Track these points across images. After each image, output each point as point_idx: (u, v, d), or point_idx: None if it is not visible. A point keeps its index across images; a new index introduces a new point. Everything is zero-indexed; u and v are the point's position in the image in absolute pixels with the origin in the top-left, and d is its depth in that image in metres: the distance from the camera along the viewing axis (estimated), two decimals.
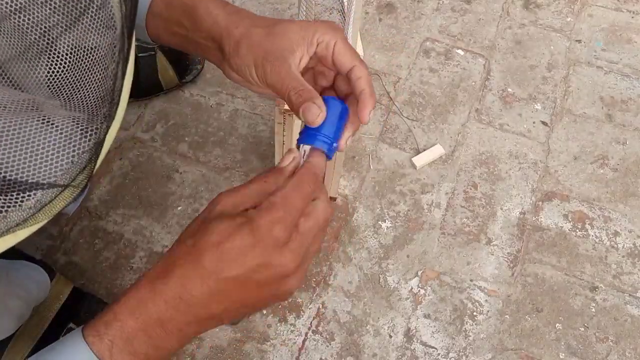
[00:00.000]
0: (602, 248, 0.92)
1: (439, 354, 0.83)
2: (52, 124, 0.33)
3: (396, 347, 0.83)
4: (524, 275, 0.89)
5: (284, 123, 0.77)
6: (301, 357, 0.82)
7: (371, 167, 0.99)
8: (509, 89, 1.09)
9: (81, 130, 0.34)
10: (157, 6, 0.57)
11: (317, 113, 0.48)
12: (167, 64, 1.02)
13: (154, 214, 0.93)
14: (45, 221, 0.36)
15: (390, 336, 0.84)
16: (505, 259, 0.91)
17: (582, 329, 0.85)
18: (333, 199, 0.94)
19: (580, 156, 1.02)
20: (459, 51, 1.14)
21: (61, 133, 0.33)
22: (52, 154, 0.33)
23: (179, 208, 0.93)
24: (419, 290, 0.87)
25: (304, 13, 0.92)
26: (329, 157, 0.50)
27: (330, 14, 1.18)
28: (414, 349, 0.83)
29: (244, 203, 0.45)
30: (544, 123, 1.05)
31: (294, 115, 0.75)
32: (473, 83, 1.10)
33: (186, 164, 0.98)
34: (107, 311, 0.43)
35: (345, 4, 1.16)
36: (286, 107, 0.74)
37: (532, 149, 1.02)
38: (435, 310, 0.86)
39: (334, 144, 0.50)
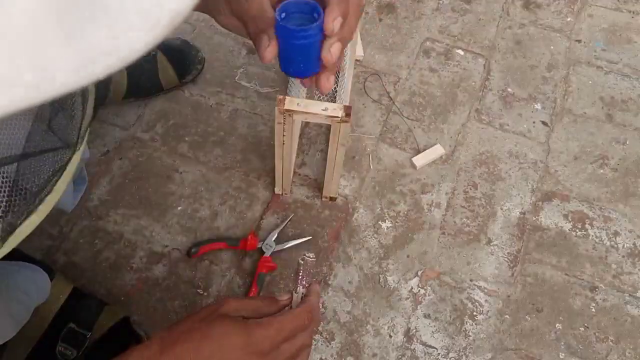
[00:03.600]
0: (602, 248, 0.92)
1: (439, 354, 0.83)
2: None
3: (396, 347, 0.83)
4: (524, 275, 0.89)
5: (284, 123, 0.77)
6: None
7: (371, 167, 0.99)
8: (509, 89, 1.09)
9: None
10: None
11: (266, 45, 0.51)
12: (167, 64, 1.02)
13: (154, 214, 0.93)
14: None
15: (390, 336, 0.84)
16: (505, 259, 0.91)
17: (582, 329, 0.85)
18: (333, 198, 0.94)
19: (580, 156, 1.02)
20: (459, 51, 1.14)
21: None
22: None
23: (179, 208, 0.93)
24: (419, 290, 0.87)
25: None
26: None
27: None
28: (414, 348, 0.83)
29: (244, 311, 0.57)
30: (544, 123, 1.05)
31: (294, 116, 0.75)
32: (473, 83, 1.10)
33: (186, 164, 0.98)
34: (122, 357, 0.52)
35: None
36: (286, 107, 0.74)
37: (532, 149, 1.02)
38: (435, 310, 0.86)
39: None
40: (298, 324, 0.57)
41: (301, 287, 0.64)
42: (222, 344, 0.53)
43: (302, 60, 0.53)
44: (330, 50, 0.54)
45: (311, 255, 0.64)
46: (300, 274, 0.65)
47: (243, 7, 0.54)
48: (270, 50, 0.51)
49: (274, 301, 0.60)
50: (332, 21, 0.52)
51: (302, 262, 0.63)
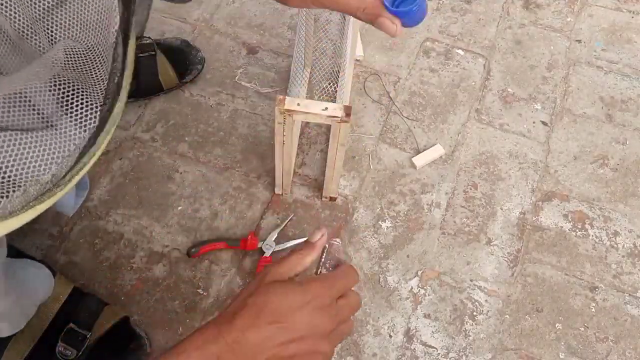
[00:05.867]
0: (602, 248, 0.92)
1: (439, 354, 0.83)
2: (67, 105, 0.38)
3: (396, 347, 0.83)
4: (524, 275, 0.89)
5: (284, 123, 0.77)
6: None
7: (371, 167, 0.99)
8: (509, 89, 1.09)
9: (90, 109, 0.40)
10: None
11: (394, 28, 0.56)
12: (167, 64, 1.02)
13: (154, 214, 0.93)
14: (61, 195, 0.41)
15: (390, 336, 0.84)
16: (505, 259, 0.91)
17: (582, 329, 0.85)
18: (333, 199, 0.94)
19: (580, 156, 1.02)
20: (459, 51, 1.14)
21: (74, 113, 0.39)
22: (65, 132, 0.38)
23: (179, 208, 0.94)
24: (419, 290, 0.87)
25: (304, 13, 0.93)
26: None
27: (330, 14, 1.18)
28: (414, 348, 0.83)
29: (290, 271, 0.55)
30: (544, 123, 1.05)
31: (294, 116, 0.75)
32: (473, 83, 1.10)
33: (186, 164, 0.98)
34: (179, 344, 0.51)
35: None
36: (286, 107, 0.74)
37: (532, 149, 1.02)
38: (435, 310, 0.86)
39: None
40: (349, 280, 0.57)
41: (324, 269, 0.61)
42: (282, 306, 0.52)
43: (420, 17, 0.60)
44: None
45: (337, 240, 0.62)
46: (323, 258, 0.63)
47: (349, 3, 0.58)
48: (399, 30, 0.57)
49: (310, 246, 0.58)
50: None
51: (327, 246, 0.61)
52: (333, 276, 0.57)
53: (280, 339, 0.52)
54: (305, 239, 0.90)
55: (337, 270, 0.59)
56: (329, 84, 1.06)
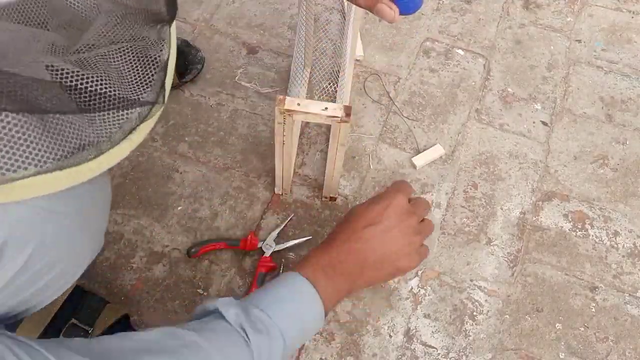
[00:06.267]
0: (602, 248, 0.92)
1: (439, 354, 0.83)
2: (139, 57, 0.46)
3: (396, 347, 0.83)
4: (524, 275, 0.89)
5: (284, 123, 0.77)
6: (301, 357, 0.82)
7: (371, 167, 0.99)
8: (509, 89, 1.09)
9: (154, 57, 0.47)
10: None
11: (392, 14, 0.59)
12: None
13: (154, 214, 0.93)
14: (147, 131, 0.48)
15: (390, 336, 0.84)
16: (505, 259, 0.91)
17: (582, 329, 0.85)
18: (333, 199, 0.94)
19: (580, 156, 1.02)
20: (459, 51, 1.14)
21: (144, 62, 0.47)
22: (141, 77, 0.46)
23: (179, 208, 0.94)
24: (419, 290, 0.87)
25: (304, 13, 0.92)
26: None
27: (331, 13, 1.18)
28: (414, 348, 0.83)
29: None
30: (544, 123, 1.05)
31: (294, 116, 0.75)
32: (473, 83, 1.10)
33: (186, 164, 0.98)
34: (307, 255, 0.72)
35: (345, 4, 1.16)
36: (286, 107, 0.74)
37: (532, 149, 1.02)
38: (435, 310, 0.86)
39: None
40: (428, 206, 0.80)
41: None
42: (392, 204, 0.75)
43: (417, 4, 0.62)
44: None
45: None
46: None
47: None
48: (396, 16, 0.59)
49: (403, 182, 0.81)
50: None
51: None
52: (427, 204, 0.80)
53: (385, 243, 0.73)
54: (308, 237, 0.90)
55: (416, 199, 0.80)
56: (329, 84, 1.06)
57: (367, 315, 0.85)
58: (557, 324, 0.86)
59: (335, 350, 0.82)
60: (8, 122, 0.40)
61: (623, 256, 0.92)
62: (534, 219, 0.95)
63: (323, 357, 0.82)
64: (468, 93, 1.09)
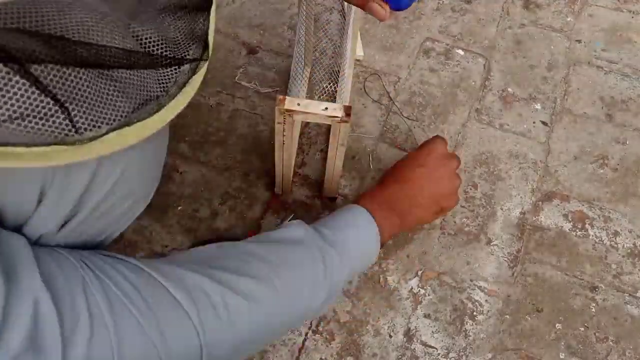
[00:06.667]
0: (602, 248, 0.92)
1: (439, 354, 0.83)
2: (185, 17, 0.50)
3: (396, 347, 0.83)
4: (524, 275, 0.89)
5: (284, 123, 0.77)
6: (301, 357, 0.82)
7: (371, 167, 0.99)
8: (509, 89, 1.09)
9: (195, 20, 0.51)
10: None
11: (383, 12, 0.62)
12: None
13: (154, 214, 0.93)
14: (197, 85, 0.52)
15: (390, 336, 0.84)
16: (505, 259, 0.91)
17: (582, 329, 0.85)
18: (333, 199, 0.94)
19: (580, 156, 1.02)
20: (459, 51, 1.14)
21: (189, 24, 0.50)
22: (185, 37, 0.50)
23: (179, 208, 0.94)
24: (419, 290, 0.87)
25: (304, 13, 0.92)
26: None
27: (331, 13, 1.18)
28: (414, 348, 0.83)
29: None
30: (544, 123, 1.06)
31: (294, 116, 0.75)
32: (473, 83, 1.10)
33: (186, 164, 0.98)
34: (362, 194, 0.83)
35: (345, 4, 1.16)
36: (286, 107, 0.74)
37: (532, 149, 1.02)
38: (435, 310, 0.86)
39: None
40: (459, 159, 0.90)
41: None
42: (435, 149, 0.86)
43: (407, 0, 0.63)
44: None
45: None
46: None
47: None
48: (387, 13, 0.62)
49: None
50: None
51: None
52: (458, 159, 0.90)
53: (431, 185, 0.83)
54: None
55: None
56: (329, 84, 1.06)
57: (367, 315, 0.85)
58: (557, 324, 0.86)
59: (335, 350, 0.82)
60: (86, 80, 0.43)
61: (623, 256, 0.92)
62: (534, 219, 0.95)
63: (323, 357, 0.82)
64: (468, 93, 1.09)
